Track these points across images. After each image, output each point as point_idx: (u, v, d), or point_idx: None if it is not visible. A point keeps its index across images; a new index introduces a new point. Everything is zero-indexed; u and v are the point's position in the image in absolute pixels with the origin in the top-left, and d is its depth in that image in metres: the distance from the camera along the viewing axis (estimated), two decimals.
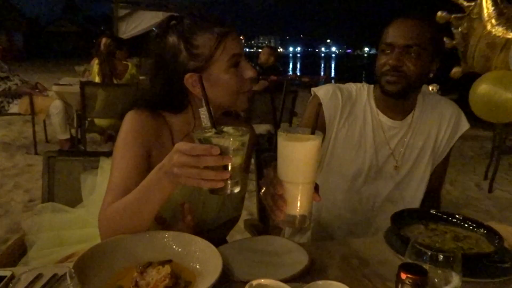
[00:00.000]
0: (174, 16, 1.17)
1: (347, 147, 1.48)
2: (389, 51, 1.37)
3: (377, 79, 1.42)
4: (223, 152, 0.82)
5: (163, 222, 1.12)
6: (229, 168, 0.84)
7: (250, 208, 3.16)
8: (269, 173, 0.88)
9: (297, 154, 0.83)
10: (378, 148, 1.48)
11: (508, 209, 3.92)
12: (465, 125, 1.54)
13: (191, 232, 1.03)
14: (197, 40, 1.11)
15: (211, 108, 0.90)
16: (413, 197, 1.52)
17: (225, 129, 0.87)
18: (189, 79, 1.12)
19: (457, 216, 1.22)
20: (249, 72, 1.15)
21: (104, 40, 4.68)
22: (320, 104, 1.01)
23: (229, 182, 0.85)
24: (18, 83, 4.89)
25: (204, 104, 0.90)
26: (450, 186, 4.41)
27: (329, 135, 1.48)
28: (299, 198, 0.84)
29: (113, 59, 4.68)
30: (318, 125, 1.44)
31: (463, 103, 1.63)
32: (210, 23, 1.12)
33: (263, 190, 0.89)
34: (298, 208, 0.85)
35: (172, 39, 1.13)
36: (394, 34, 1.36)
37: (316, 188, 0.89)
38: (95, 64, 4.82)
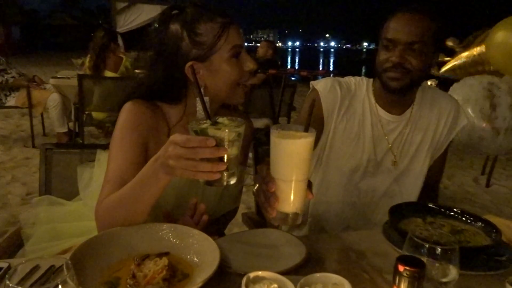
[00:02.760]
0: (176, 5, 1.17)
1: (345, 141, 1.48)
2: (391, 47, 1.35)
3: (378, 74, 1.40)
4: (219, 144, 0.82)
5: (168, 216, 1.12)
6: (225, 160, 0.83)
7: (248, 202, 3.17)
8: (261, 170, 0.88)
9: (289, 151, 0.82)
10: (376, 143, 1.48)
11: (506, 204, 3.94)
12: (463, 120, 1.53)
13: (200, 229, 1.03)
14: (200, 28, 1.12)
15: (206, 99, 0.89)
16: (411, 191, 1.52)
17: (221, 120, 0.86)
18: (190, 68, 1.12)
19: (455, 209, 1.22)
20: (249, 64, 1.16)
21: (97, 33, 4.65)
22: (314, 100, 1.01)
23: (225, 173, 0.84)
24: (16, 76, 4.86)
25: (198, 94, 0.90)
26: (447, 181, 4.42)
27: (328, 129, 1.48)
28: (291, 195, 0.84)
29: (106, 51, 4.66)
30: (316, 119, 1.44)
31: None
32: (213, 13, 1.12)
33: (256, 187, 0.89)
34: (291, 205, 0.85)
35: (175, 27, 1.13)
36: (397, 29, 1.33)
37: (309, 185, 0.88)
38: (88, 56, 4.79)
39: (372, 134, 1.47)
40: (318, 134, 1.47)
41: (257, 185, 0.88)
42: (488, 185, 4.39)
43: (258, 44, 6.33)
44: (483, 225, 1.15)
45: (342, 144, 1.48)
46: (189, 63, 1.11)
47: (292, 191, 0.84)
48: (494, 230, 1.10)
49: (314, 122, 1.39)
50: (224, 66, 1.13)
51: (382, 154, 1.49)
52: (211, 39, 1.11)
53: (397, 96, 1.42)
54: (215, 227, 1.30)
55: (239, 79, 1.16)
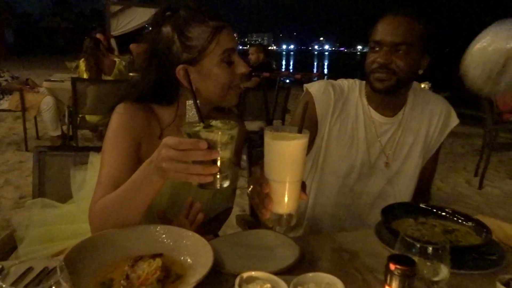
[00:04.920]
0: (169, 7, 1.16)
1: (339, 144, 1.49)
2: (377, 49, 1.37)
3: (366, 76, 1.43)
4: (212, 146, 0.82)
5: (163, 217, 1.12)
6: (218, 162, 0.83)
7: (242, 204, 3.17)
8: (256, 171, 0.88)
9: (283, 153, 0.83)
10: (369, 145, 1.49)
11: (498, 205, 3.97)
12: (454, 121, 1.55)
13: (194, 229, 1.03)
14: (191, 32, 1.11)
15: (199, 102, 0.90)
16: (404, 193, 1.53)
17: (213, 123, 0.86)
18: (181, 71, 1.12)
19: (446, 209, 1.24)
20: (241, 68, 1.16)
21: (85, 40, 4.68)
22: (308, 102, 1.02)
23: (218, 176, 0.84)
24: (9, 79, 4.85)
25: (191, 97, 0.90)
26: (441, 183, 4.45)
27: (322, 131, 1.48)
28: (285, 197, 0.84)
29: (98, 54, 4.66)
30: (310, 122, 1.45)
31: (454, 100, 1.66)
32: (206, 16, 1.12)
33: (250, 189, 0.89)
34: (285, 207, 0.85)
35: (166, 30, 1.13)
36: (383, 31, 1.36)
37: (303, 186, 0.89)
38: (81, 61, 4.79)
39: (366, 136, 1.48)
40: (312, 137, 1.47)
41: (251, 186, 0.88)
42: (481, 187, 4.42)
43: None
44: (474, 224, 1.16)
45: (337, 146, 1.49)
46: (180, 67, 1.12)
47: (286, 192, 0.84)
48: (484, 230, 1.11)
49: (308, 125, 1.40)
50: (214, 69, 1.13)
51: (375, 156, 1.50)
52: (201, 43, 1.10)
53: (387, 97, 1.44)
54: (209, 227, 1.30)
55: (230, 83, 1.15)
